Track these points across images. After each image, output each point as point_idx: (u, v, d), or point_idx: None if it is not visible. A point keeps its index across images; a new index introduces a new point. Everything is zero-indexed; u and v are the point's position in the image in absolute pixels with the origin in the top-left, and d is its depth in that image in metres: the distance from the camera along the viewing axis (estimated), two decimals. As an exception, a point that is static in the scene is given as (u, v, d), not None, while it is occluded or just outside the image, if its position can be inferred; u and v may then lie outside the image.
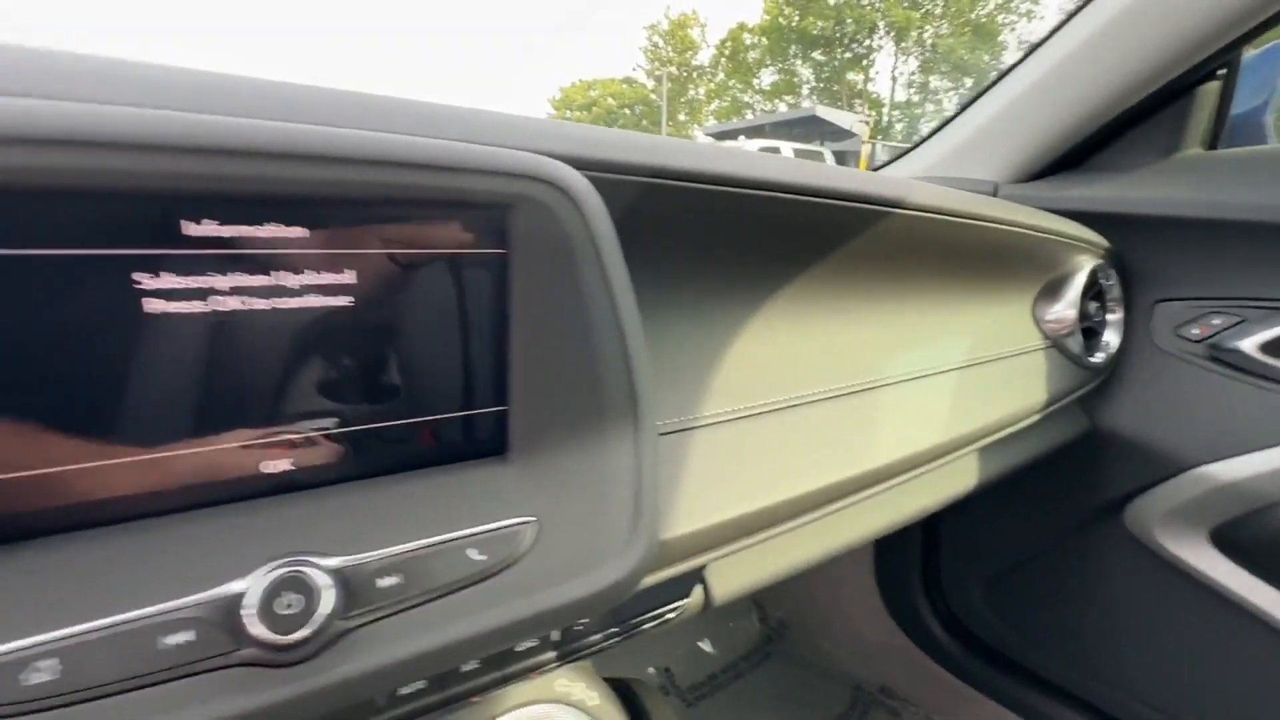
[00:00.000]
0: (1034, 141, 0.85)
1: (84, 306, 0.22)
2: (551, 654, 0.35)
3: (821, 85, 37.22)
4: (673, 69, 40.94)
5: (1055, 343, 0.73)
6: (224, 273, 0.24)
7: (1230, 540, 0.73)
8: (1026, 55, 0.86)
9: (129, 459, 0.24)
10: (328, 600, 0.24)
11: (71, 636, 0.21)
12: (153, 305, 0.23)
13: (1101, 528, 0.84)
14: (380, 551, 0.27)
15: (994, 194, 0.84)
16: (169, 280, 0.23)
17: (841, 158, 13.50)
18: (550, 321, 0.31)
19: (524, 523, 0.30)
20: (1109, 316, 0.78)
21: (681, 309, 0.43)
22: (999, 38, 33.29)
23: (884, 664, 1.14)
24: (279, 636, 0.23)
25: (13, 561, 0.22)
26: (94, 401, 0.23)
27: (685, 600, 0.42)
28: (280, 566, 0.24)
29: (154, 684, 0.22)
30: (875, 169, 1.09)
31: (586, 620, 0.37)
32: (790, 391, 0.47)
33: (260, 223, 0.24)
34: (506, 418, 0.32)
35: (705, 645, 1.28)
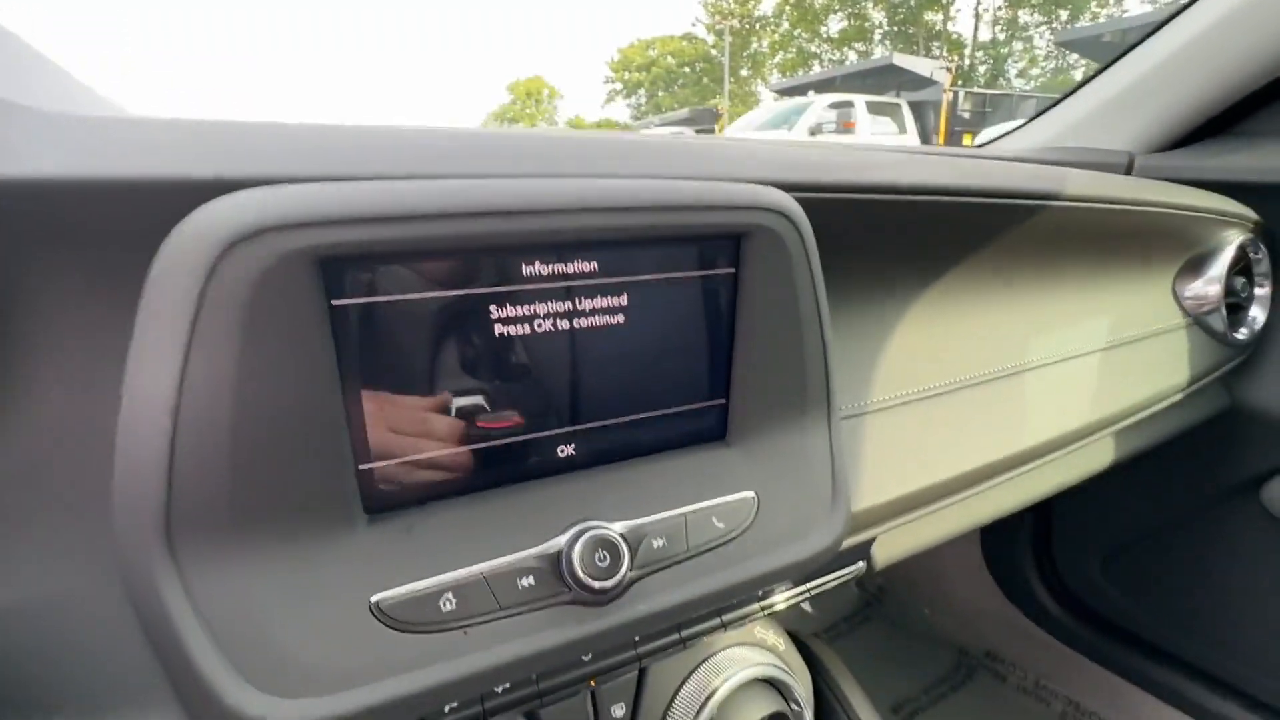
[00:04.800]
0: (1177, 108, 0.81)
1: (458, 332, 0.30)
2: (756, 606, 0.42)
3: (895, 29, 34.78)
4: (735, 21, 39.31)
5: (1197, 320, 0.72)
6: (541, 302, 0.31)
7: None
8: (1169, 19, 0.82)
9: (480, 445, 0.32)
10: (626, 556, 0.31)
11: (462, 578, 0.29)
12: (499, 329, 0.30)
13: (1236, 505, 0.83)
14: (649, 518, 0.34)
15: (1129, 165, 0.82)
16: (509, 310, 0.30)
17: (920, 108, 12.67)
18: (767, 327, 0.36)
19: (748, 497, 0.36)
20: (1257, 291, 0.75)
21: (848, 306, 0.47)
22: (1101, -39, 29.90)
23: (989, 631, 1.17)
24: (598, 582, 0.30)
25: (416, 523, 0.30)
26: (462, 400, 0.31)
27: (854, 567, 0.47)
28: (586, 530, 0.31)
29: (516, 614, 0.30)
30: (984, 141, 1.07)
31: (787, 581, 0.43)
32: (946, 377, 0.50)
33: (567, 261, 0.31)
34: (728, 409, 0.38)
35: (805, 607, 1.34)
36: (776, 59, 39.89)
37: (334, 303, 0.26)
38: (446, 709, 0.34)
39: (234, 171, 0.26)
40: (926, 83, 14.83)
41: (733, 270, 0.35)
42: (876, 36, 35.84)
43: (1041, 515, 1.06)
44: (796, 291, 0.36)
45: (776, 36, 39.45)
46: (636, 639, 0.38)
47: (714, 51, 40.83)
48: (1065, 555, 1.06)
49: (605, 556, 0.31)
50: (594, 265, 0.32)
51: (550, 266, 0.31)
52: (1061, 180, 0.52)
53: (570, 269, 0.31)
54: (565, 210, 0.29)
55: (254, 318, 0.24)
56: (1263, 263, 0.75)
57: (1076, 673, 1.05)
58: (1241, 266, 0.74)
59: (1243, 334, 0.74)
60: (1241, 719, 0.87)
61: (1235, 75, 0.78)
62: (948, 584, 1.22)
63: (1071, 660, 1.05)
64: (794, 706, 0.43)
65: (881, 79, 16.45)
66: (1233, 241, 0.72)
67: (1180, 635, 0.94)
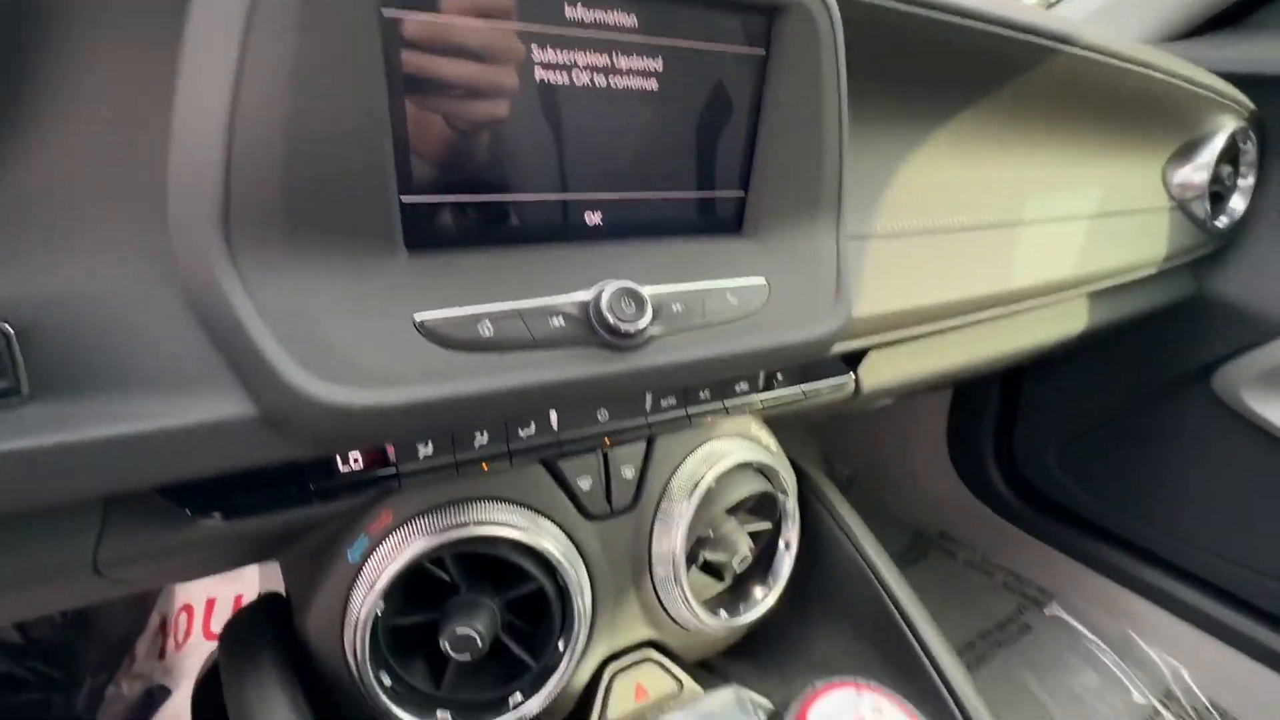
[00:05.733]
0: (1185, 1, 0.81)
1: (501, 73, 0.30)
2: (758, 396, 0.45)
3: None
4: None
5: (1181, 205, 0.75)
6: (581, 51, 0.32)
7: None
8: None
9: (514, 196, 0.33)
10: (650, 309, 0.34)
11: (499, 310, 0.31)
12: (541, 74, 0.31)
13: (1187, 392, 0.89)
14: (673, 286, 0.36)
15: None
16: (551, 55, 0.31)
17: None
18: (790, 115, 0.37)
19: (760, 283, 0.39)
20: (1241, 182, 0.78)
21: (859, 131, 0.48)
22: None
23: (945, 514, 1.26)
24: (624, 325, 0.33)
25: (455, 260, 0.32)
26: (501, 145, 0.32)
27: (845, 376, 0.51)
28: (614, 283, 0.33)
29: (547, 349, 0.32)
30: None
31: (782, 377, 0.47)
32: (945, 218, 0.53)
33: (609, 9, 0.31)
34: (745, 203, 0.40)
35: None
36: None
37: (385, 12, 0.27)
38: (477, 444, 0.37)
39: None
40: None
41: (763, 52, 0.36)
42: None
43: (1007, 404, 1.13)
44: (822, 80, 0.37)
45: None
46: (649, 407, 0.41)
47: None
48: (1024, 445, 1.14)
49: (631, 305, 0.33)
50: (634, 20, 0.32)
51: (593, 13, 0.31)
52: (1079, 28, 0.53)
53: (611, 20, 0.32)
54: None
55: (309, 12, 0.25)
56: (1250, 153, 0.78)
57: (1020, 549, 1.15)
58: (1231, 156, 0.76)
59: (1222, 222, 0.78)
60: (1167, 585, 0.97)
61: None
62: (909, 471, 1.30)
63: (1016, 538, 1.15)
64: (781, 495, 0.48)
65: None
66: (1225, 129, 0.74)
67: (1122, 514, 1.03)
